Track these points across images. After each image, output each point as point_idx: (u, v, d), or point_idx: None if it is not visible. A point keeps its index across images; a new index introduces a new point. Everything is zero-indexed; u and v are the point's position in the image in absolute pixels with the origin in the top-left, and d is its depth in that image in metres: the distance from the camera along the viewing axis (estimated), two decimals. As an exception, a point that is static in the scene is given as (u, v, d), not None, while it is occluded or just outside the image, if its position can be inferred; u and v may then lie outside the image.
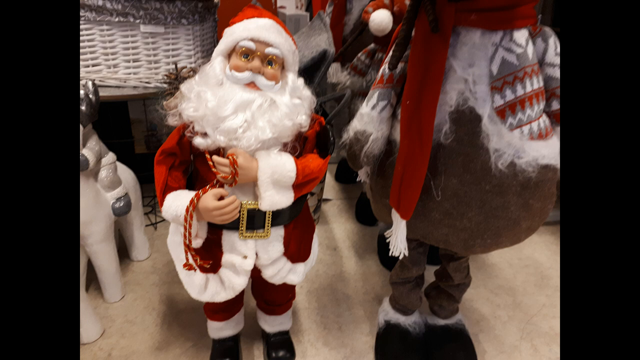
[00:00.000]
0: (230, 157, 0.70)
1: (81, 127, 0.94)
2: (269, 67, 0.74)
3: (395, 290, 1.02)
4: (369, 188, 0.91)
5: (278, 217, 0.78)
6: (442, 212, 0.75)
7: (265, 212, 0.77)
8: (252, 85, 0.74)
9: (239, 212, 0.74)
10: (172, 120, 0.76)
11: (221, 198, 0.72)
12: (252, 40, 0.72)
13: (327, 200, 1.72)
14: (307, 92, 0.79)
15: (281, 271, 0.83)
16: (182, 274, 0.82)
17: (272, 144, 0.75)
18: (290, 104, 0.74)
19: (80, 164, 0.93)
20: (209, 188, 0.72)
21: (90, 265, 1.10)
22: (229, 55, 0.76)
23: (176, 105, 0.75)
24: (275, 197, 0.74)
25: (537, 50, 0.69)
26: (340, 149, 0.88)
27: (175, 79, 0.83)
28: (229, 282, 0.80)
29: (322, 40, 1.13)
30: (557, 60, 0.68)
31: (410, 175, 0.72)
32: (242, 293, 0.90)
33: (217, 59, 0.76)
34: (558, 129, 0.72)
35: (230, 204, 0.71)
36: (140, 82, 1.21)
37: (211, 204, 0.71)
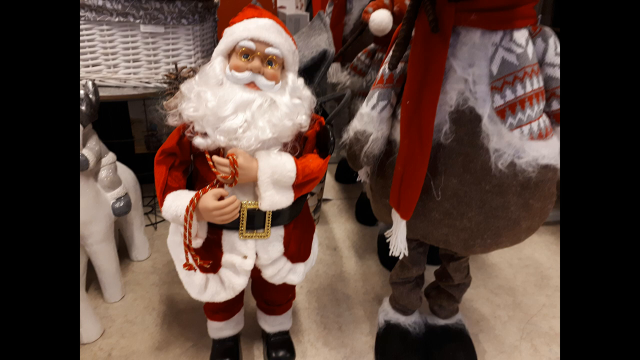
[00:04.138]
0: (230, 157, 0.70)
1: (81, 127, 0.94)
2: (269, 67, 0.74)
3: (395, 290, 1.02)
4: (369, 188, 0.91)
5: (278, 217, 0.78)
6: (442, 212, 0.75)
7: (265, 212, 0.77)
8: (252, 85, 0.74)
9: (239, 212, 0.74)
10: (172, 120, 0.76)
11: (221, 198, 0.72)
12: (252, 40, 0.72)
13: (327, 200, 1.72)
14: (307, 92, 0.79)
15: (281, 271, 0.83)
16: (182, 274, 0.82)
17: (272, 144, 0.75)
18: (290, 104, 0.74)
19: (80, 164, 0.93)
20: (209, 188, 0.72)
21: (90, 265, 1.10)
22: (229, 55, 0.76)
23: (176, 105, 0.75)
24: (275, 197, 0.74)
25: (537, 50, 0.69)
26: (340, 149, 0.88)
27: (175, 79, 0.83)
28: (229, 282, 0.80)
29: (322, 40, 1.13)
30: (557, 60, 0.69)
31: (410, 175, 0.72)
32: (242, 293, 0.90)
33: (217, 59, 0.76)
34: (558, 129, 0.72)
35: (230, 204, 0.71)
36: (140, 82, 1.21)
37: (211, 204, 0.71)
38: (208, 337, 1.00)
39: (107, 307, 1.14)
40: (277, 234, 0.80)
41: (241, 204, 0.75)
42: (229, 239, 0.79)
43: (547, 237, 1.51)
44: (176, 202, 0.74)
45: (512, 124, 0.67)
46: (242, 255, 0.78)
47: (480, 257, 1.40)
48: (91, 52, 1.17)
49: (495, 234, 0.76)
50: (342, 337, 1.07)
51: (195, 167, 0.81)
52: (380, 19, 1.04)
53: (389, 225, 0.84)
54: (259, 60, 0.73)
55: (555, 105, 0.70)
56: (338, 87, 1.32)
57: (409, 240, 0.81)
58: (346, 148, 0.85)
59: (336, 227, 1.55)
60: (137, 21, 1.13)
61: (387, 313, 1.04)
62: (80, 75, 1.18)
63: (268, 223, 0.78)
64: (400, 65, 0.75)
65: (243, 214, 0.76)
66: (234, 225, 0.77)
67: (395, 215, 0.79)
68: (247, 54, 0.73)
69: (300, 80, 0.79)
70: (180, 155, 0.78)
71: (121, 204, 1.08)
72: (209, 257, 0.78)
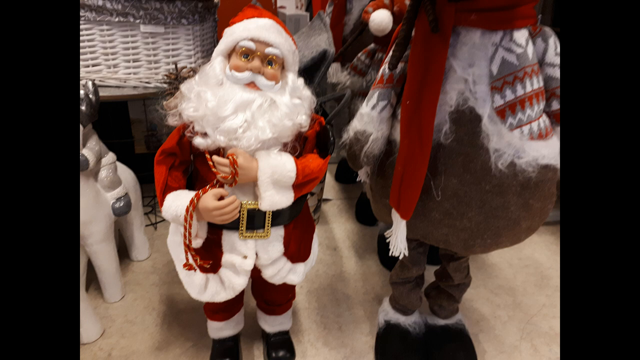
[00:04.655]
0: (230, 157, 0.70)
1: (81, 127, 0.94)
2: (269, 67, 0.74)
3: (395, 290, 1.02)
4: (369, 188, 0.91)
5: (278, 217, 0.78)
6: (442, 212, 0.75)
7: (265, 212, 0.77)
8: (252, 85, 0.74)
9: (239, 212, 0.74)
10: (172, 120, 0.76)
11: (221, 198, 0.72)
12: (252, 40, 0.72)
13: (327, 200, 1.72)
14: (307, 92, 0.79)
15: (281, 271, 0.83)
16: (182, 274, 0.82)
17: (272, 144, 0.75)
18: (290, 104, 0.74)
19: (80, 164, 0.93)
20: (209, 188, 0.72)
21: (90, 265, 1.10)
22: (229, 55, 0.76)
23: (176, 105, 0.75)
24: (275, 197, 0.74)
25: (537, 50, 0.69)
26: (340, 149, 0.88)
27: (175, 79, 0.83)
28: (229, 282, 0.80)
29: (322, 40, 1.13)
30: (557, 60, 0.69)
31: (410, 175, 0.72)
32: (242, 293, 0.90)
33: (217, 59, 0.76)
34: (558, 129, 0.72)
35: (230, 204, 0.71)
36: (140, 82, 1.21)
37: (211, 204, 0.71)
38: (208, 337, 1.00)
39: (107, 307, 1.14)
40: (277, 234, 0.80)
41: (241, 204, 0.75)
42: (229, 239, 0.79)
43: (547, 237, 1.51)
44: (176, 202, 0.74)
45: (512, 124, 0.67)
46: (242, 255, 0.78)
47: (480, 257, 1.40)
48: (91, 52, 1.17)
49: (495, 234, 0.76)
50: (342, 337, 1.07)
51: (195, 167, 0.81)
52: (380, 19, 1.04)
53: (389, 225, 0.84)
54: (259, 60, 0.73)
55: (555, 105, 0.70)
56: (338, 87, 1.32)
57: (409, 240, 0.81)
58: (346, 148, 0.85)
59: (336, 227, 1.55)
60: (137, 21, 1.13)
61: (387, 313, 1.04)
62: (80, 75, 1.18)
63: (268, 223, 0.78)
64: (400, 65, 0.75)
65: (243, 214, 0.76)
66: (234, 225, 0.77)
67: (395, 215, 0.79)
68: (247, 54, 0.73)
69: (300, 80, 0.79)
70: (180, 155, 0.78)
71: (121, 204, 1.08)
72: (209, 257, 0.78)
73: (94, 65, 1.19)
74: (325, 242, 1.46)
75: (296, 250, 0.84)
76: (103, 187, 1.06)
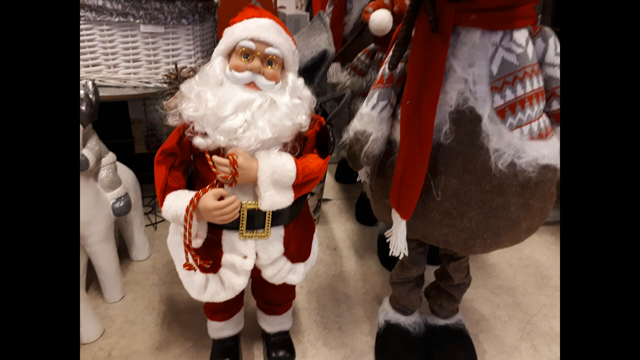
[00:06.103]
0: (230, 157, 0.70)
1: (81, 127, 0.94)
2: (269, 67, 0.74)
3: (395, 290, 1.02)
4: (369, 188, 0.91)
5: (278, 217, 0.78)
6: (442, 212, 0.75)
7: (265, 212, 0.77)
8: (252, 85, 0.74)
9: (239, 212, 0.74)
10: (172, 120, 0.76)
11: (221, 198, 0.72)
12: (252, 40, 0.72)
13: (327, 200, 1.72)
14: (307, 92, 0.79)
15: (281, 271, 0.83)
16: (182, 274, 0.82)
17: (272, 144, 0.75)
18: (290, 104, 0.74)
19: (80, 164, 0.93)
20: (209, 188, 0.72)
21: (90, 265, 1.10)
22: (229, 55, 0.76)
23: (176, 105, 0.75)
24: (275, 197, 0.74)
25: (537, 50, 0.69)
26: (340, 149, 0.88)
27: (175, 79, 0.83)
28: (229, 282, 0.80)
29: (322, 40, 1.13)
30: (557, 60, 0.69)
31: (410, 175, 0.72)
32: (242, 293, 0.90)
33: (217, 59, 0.76)
34: (558, 129, 0.72)
35: (230, 204, 0.71)
36: (140, 82, 1.21)
37: (211, 204, 0.71)
38: (208, 337, 1.00)
39: (107, 307, 1.14)
40: (277, 234, 0.80)
41: (241, 204, 0.75)
42: (229, 239, 0.79)
43: (547, 237, 1.51)
44: (176, 202, 0.74)
45: (512, 124, 0.67)
46: (242, 255, 0.78)
47: (480, 257, 1.40)
48: (91, 52, 1.17)
49: (495, 234, 0.76)
50: (342, 337, 1.07)
51: (195, 167, 0.81)
52: (380, 19, 1.04)
53: (389, 225, 0.84)
54: (259, 60, 0.73)
55: (555, 105, 0.70)
56: (338, 87, 1.32)
57: (409, 240, 0.81)
58: (346, 148, 0.85)
59: (336, 227, 1.55)
60: (137, 21, 1.13)
61: (387, 313, 1.04)
62: (80, 75, 1.18)
63: (268, 223, 0.78)
64: (400, 65, 0.75)
65: (243, 214, 0.76)
66: (234, 225, 0.77)
67: (395, 215, 0.79)
68: (247, 54, 0.73)
69: (300, 80, 0.79)
70: (180, 155, 0.78)
71: (121, 204, 1.08)
72: (209, 257, 0.78)
73: (94, 65, 1.19)
74: (325, 242, 1.46)
75: (296, 250, 0.84)
76: (103, 187, 1.06)
